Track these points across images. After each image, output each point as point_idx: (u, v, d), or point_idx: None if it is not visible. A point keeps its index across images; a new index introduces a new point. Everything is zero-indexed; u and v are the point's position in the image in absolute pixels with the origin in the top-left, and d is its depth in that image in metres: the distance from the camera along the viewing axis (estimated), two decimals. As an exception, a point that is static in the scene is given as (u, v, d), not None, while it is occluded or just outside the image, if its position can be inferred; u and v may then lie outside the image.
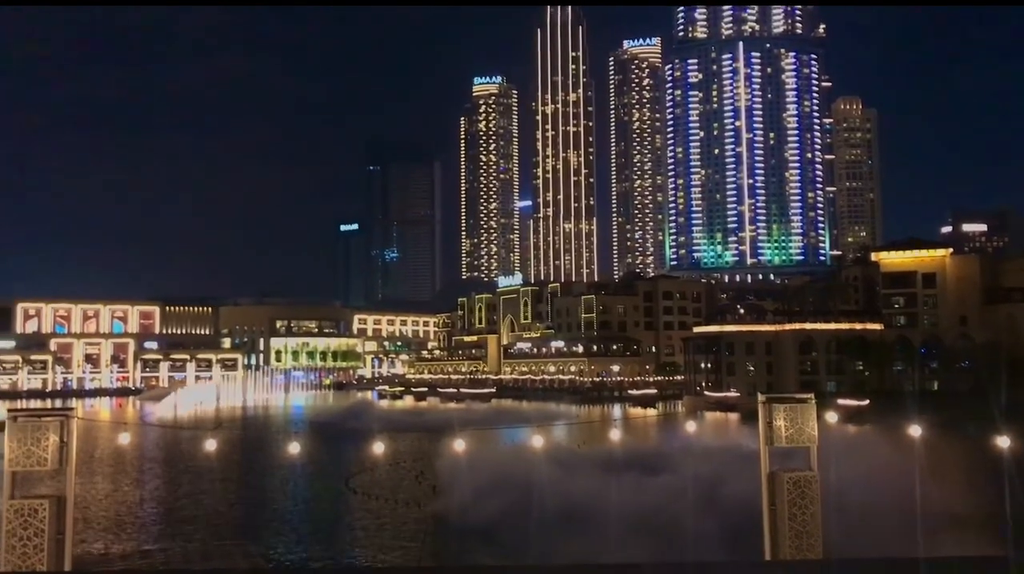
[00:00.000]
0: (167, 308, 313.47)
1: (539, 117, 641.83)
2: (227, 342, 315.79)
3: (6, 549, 22.94)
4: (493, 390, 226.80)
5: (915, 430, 50.22)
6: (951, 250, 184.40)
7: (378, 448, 57.15)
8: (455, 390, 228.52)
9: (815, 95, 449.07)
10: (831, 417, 58.09)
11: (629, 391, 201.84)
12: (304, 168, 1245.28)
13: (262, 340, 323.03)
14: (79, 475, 24.88)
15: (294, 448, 61.38)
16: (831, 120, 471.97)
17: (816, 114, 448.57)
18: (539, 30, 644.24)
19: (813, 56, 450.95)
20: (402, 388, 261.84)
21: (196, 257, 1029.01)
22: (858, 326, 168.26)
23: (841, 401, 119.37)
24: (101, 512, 62.13)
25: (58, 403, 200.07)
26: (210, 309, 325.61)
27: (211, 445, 66.91)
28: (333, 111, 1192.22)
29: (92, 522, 57.36)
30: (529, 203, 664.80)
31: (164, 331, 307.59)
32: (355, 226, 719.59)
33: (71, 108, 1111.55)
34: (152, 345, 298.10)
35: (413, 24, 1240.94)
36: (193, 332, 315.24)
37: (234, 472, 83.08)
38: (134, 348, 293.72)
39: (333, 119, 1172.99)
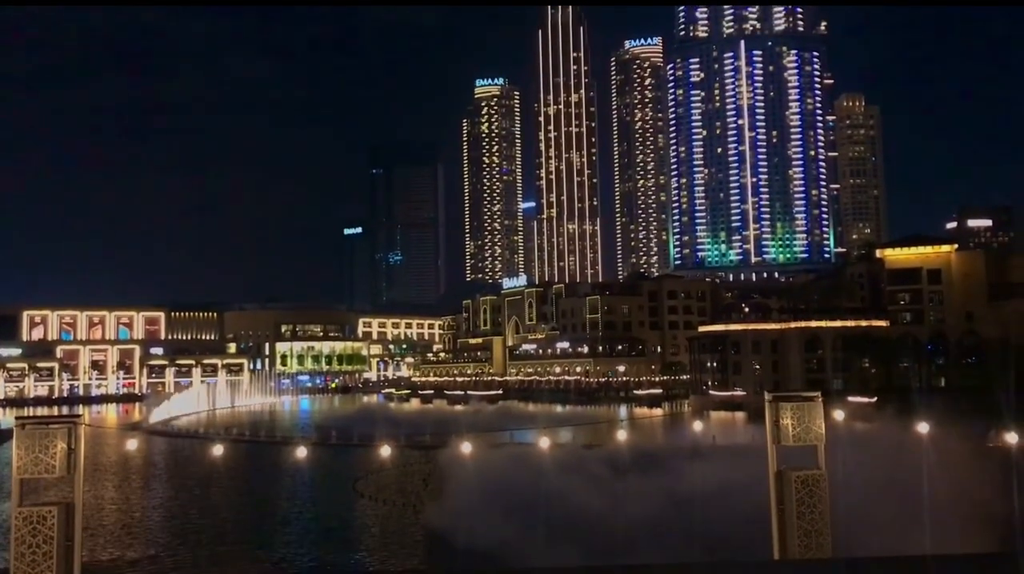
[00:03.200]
0: (172, 314, 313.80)
1: (541, 118, 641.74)
2: (232, 347, 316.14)
3: (15, 557, 22.95)
4: (500, 392, 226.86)
5: (923, 427, 49.92)
6: (956, 246, 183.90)
7: (384, 451, 57.21)
8: (462, 392, 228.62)
9: (818, 92, 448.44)
10: (838, 415, 58.00)
11: (635, 391, 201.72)
12: (307, 172, 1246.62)
13: (267, 345, 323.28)
14: (87, 482, 24.90)
15: (301, 453, 61.44)
16: (834, 117, 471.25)
17: (819, 111, 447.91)
18: (540, 31, 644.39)
19: (815, 54, 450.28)
20: (408, 391, 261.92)
21: (200, 263, 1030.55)
22: (864, 323, 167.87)
23: (849, 398, 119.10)
24: (109, 519, 62.21)
25: (65, 410, 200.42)
26: (215, 314, 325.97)
27: (218, 450, 66.98)
28: (335, 115, 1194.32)
29: (101, 529, 57.45)
30: (532, 204, 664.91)
31: (169, 337, 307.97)
32: (359, 230, 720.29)
33: (74, 116, 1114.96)
34: (158, 351, 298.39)
35: (414, 27, 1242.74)
36: (198, 337, 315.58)
37: (242, 477, 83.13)
38: (140, 354, 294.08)
39: (335, 123, 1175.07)
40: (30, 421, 23.98)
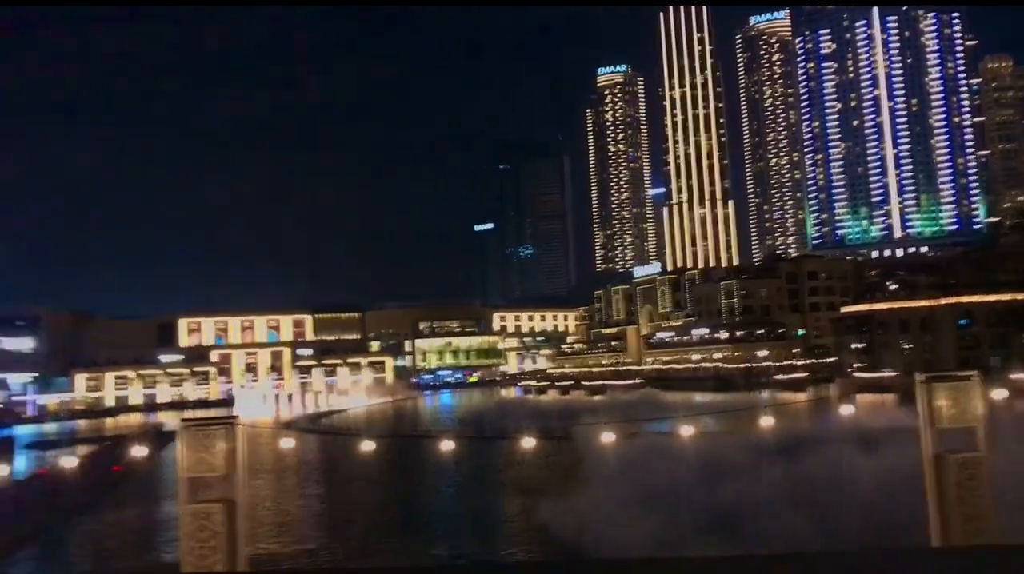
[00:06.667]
0: (317, 316, 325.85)
1: (666, 102, 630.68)
2: (375, 345, 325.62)
3: (185, 551, 24.41)
4: (638, 381, 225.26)
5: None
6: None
7: (527, 443, 57.73)
8: (601, 382, 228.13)
9: (959, 55, 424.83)
10: (999, 394, 54.96)
11: (777, 376, 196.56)
12: (436, 173, 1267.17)
13: (407, 342, 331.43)
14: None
15: (447, 446, 62.59)
16: (979, 80, 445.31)
17: (962, 75, 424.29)
18: (662, 15, 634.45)
19: (955, 15, 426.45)
20: (546, 383, 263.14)
21: (341, 266, 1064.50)
22: (1021, 296, 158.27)
23: (1010, 376, 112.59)
24: (266, 514, 65.16)
25: (223, 411, 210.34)
26: (357, 315, 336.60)
27: (368, 446, 68.93)
28: (460, 114, 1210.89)
29: (259, 524, 60.25)
30: (661, 190, 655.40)
31: (315, 338, 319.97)
32: (490, 226, 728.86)
33: (215, 130, 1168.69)
34: (305, 352, 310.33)
35: (532, 21, 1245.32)
36: (342, 337, 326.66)
37: (391, 472, 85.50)
38: (289, 356, 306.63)
39: (460, 122, 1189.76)
40: (193, 423, 25.43)
